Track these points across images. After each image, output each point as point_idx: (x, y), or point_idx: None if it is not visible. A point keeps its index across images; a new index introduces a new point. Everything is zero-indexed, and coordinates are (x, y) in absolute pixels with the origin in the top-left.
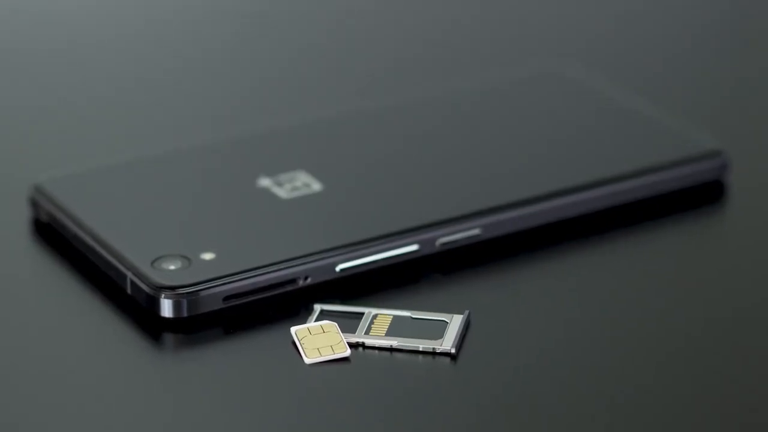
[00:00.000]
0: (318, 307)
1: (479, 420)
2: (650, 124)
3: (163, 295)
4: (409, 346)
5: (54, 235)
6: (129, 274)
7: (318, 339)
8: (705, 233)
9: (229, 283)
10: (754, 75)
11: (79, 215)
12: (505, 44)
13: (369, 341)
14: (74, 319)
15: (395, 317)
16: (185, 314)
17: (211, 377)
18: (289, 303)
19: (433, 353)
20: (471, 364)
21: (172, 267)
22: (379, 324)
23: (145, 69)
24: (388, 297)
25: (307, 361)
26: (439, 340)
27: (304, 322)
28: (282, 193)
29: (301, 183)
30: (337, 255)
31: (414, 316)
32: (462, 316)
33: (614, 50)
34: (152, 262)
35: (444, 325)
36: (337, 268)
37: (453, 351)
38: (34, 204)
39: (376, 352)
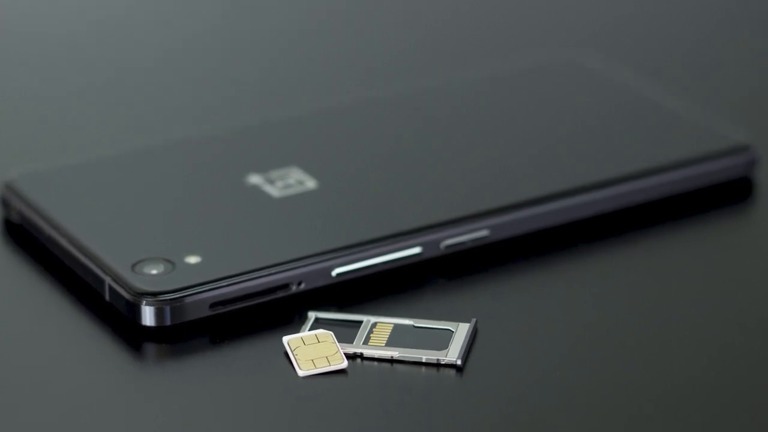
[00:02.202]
0: (312, 315)
1: None
2: (672, 116)
3: (144, 302)
4: (411, 357)
5: (26, 237)
6: (107, 279)
7: (312, 349)
8: (731, 234)
9: (216, 288)
10: None
11: (53, 215)
12: (514, 31)
13: (368, 352)
14: (48, 328)
15: (396, 326)
16: (168, 322)
17: (196, 390)
18: (281, 310)
19: (438, 365)
20: (478, 376)
21: (154, 271)
22: (378, 333)
23: (125, 58)
24: (389, 304)
25: (301, 373)
26: (444, 351)
27: (298, 331)
28: (273, 191)
29: (294, 180)
30: (333, 258)
31: (416, 325)
32: (469, 324)
33: (633, 37)
34: (133, 266)
35: (449, 334)
36: (334, 273)
37: (459, 362)
38: (5, 203)
39: (376, 363)
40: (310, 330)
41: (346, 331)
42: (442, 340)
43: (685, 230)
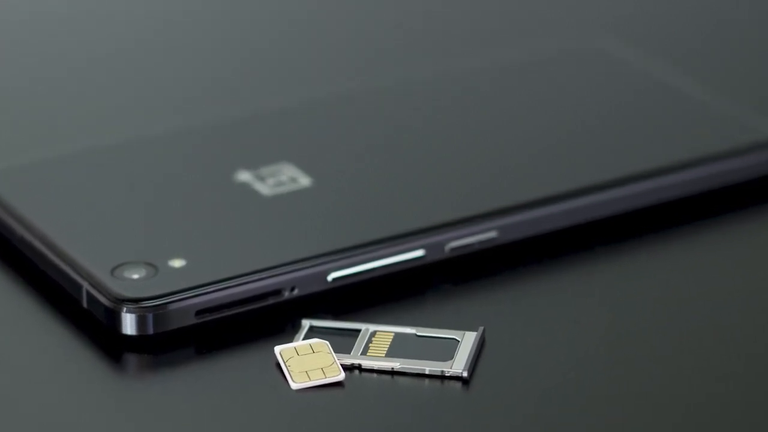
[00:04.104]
0: (307, 323)
1: None
2: (697, 108)
3: (125, 309)
4: (413, 368)
5: None
6: (85, 285)
7: (307, 360)
8: (759, 236)
9: (202, 294)
10: None
11: (25, 214)
12: (527, 16)
13: (366, 363)
14: (20, 338)
15: (397, 335)
16: (151, 331)
17: (181, 405)
18: (272, 318)
19: (442, 377)
20: (486, 389)
21: (135, 276)
22: (378, 343)
23: (103, 44)
24: (389, 311)
25: (294, 386)
26: (449, 362)
27: (291, 341)
28: (264, 189)
29: (287, 177)
30: (329, 262)
31: (419, 334)
32: (475, 333)
33: (654, 22)
34: (112, 270)
35: (454, 344)
36: (329, 278)
37: (465, 374)
38: None
39: (375, 375)
40: (304, 339)
41: (343, 341)
42: (447, 350)
43: (710, 232)
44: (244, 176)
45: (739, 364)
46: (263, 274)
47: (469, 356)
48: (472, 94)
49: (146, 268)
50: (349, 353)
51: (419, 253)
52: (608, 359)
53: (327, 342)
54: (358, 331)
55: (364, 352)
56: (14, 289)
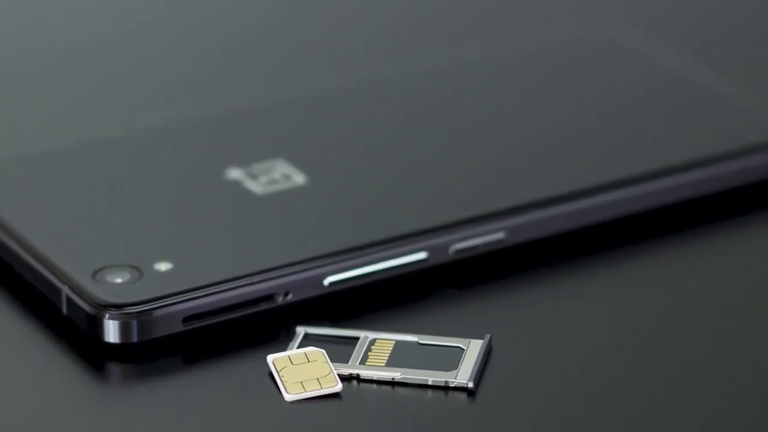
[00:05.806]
0: (301, 331)
1: None
2: (713, 103)
3: (107, 315)
4: (415, 379)
5: None
6: (65, 289)
7: (301, 370)
8: None
9: (190, 300)
10: None
11: (2, 215)
12: (534, 6)
13: (365, 373)
14: None
15: (398, 343)
16: (135, 339)
17: (167, 417)
18: (265, 325)
19: (446, 388)
20: (492, 400)
21: (118, 280)
22: (378, 351)
23: (86, 37)
24: (390, 318)
25: (288, 397)
26: (454, 372)
27: (285, 349)
28: (256, 187)
29: (280, 175)
30: (325, 265)
31: (422, 342)
32: (481, 341)
33: (673, 12)
34: (94, 274)
35: (459, 352)
36: (326, 282)
37: (470, 385)
38: None
39: (375, 386)
40: (298, 348)
41: (340, 349)
42: (451, 359)
43: (728, 234)
44: (234, 174)
45: (749, 367)
46: (255, 278)
47: (474, 366)
48: (478, 87)
49: (130, 272)
50: (347, 362)
51: (422, 255)
52: (621, 366)
53: (323, 350)
54: (357, 338)
55: (363, 362)
56: None
